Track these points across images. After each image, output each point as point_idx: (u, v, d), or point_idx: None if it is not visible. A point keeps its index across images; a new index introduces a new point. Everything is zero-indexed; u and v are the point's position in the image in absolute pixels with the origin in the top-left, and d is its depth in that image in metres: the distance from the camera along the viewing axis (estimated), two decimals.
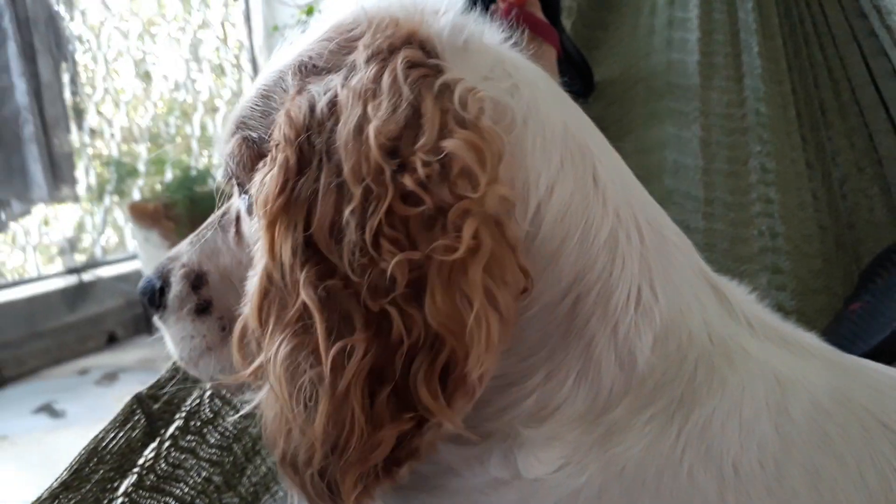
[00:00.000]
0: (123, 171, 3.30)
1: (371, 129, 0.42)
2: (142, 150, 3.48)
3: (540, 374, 0.47)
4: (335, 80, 0.47)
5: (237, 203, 0.58)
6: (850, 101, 1.45)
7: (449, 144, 0.41)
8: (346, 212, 0.41)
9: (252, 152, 0.51)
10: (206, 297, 0.58)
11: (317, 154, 0.44)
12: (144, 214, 3.11)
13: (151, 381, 0.73)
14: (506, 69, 0.51)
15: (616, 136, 0.57)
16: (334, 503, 0.44)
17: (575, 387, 0.47)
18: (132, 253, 3.40)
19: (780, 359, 0.51)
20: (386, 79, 0.44)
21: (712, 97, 1.43)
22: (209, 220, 0.60)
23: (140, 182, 3.38)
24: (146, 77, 3.54)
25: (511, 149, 0.46)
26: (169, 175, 3.40)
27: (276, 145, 0.46)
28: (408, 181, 0.41)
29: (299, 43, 0.53)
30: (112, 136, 3.38)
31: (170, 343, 0.60)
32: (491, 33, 0.53)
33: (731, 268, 1.21)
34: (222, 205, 0.60)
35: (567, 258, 0.47)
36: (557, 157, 0.49)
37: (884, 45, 1.40)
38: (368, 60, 0.46)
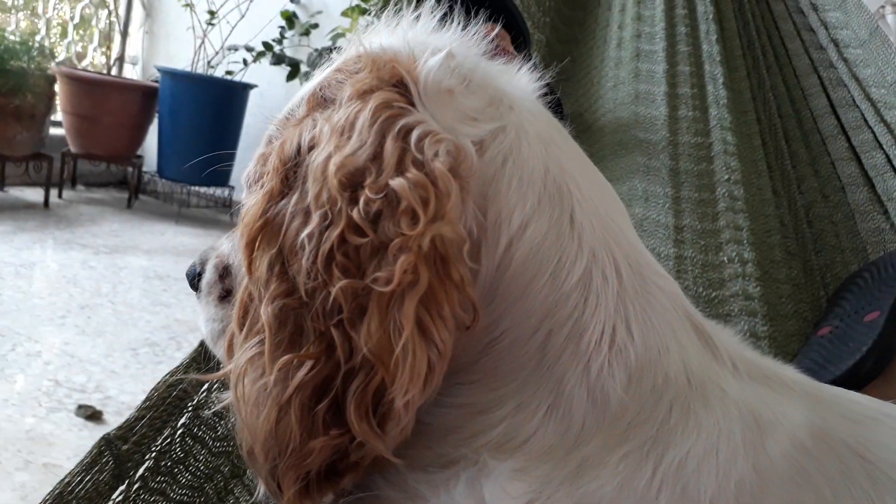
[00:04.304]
0: None
1: (333, 162, 0.46)
2: None
3: (510, 404, 0.48)
4: (326, 114, 0.50)
5: None
6: (812, 129, 1.49)
7: (395, 183, 0.44)
8: (304, 235, 0.45)
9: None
10: (229, 286, 0.62)
11: (296, 182, 0.48)
12: None
13: None
14: (500, 110, 0.53)
15: None
16: (280, 500, 0.47)
17: (545, 420, 0.47)
18: None
19: (760, 398, 0.51)
20: (359, 117, 0.47)
21: (680, 127, 1.46)
22: None
23: None
24: None
25: (486, 187, 0.49)
26: None
27: (266, 173, 0.50)
28: (356, 214, 0.44)
29: (320, 73, 0.56)
30: None
31: (200, 321, 0.65)
32: (502, 69, 0.56)
33: (702, 294, 1.23)
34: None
35: (538, 294, 0.48)
36: (534, 197, 0.50)
37: (842, 76, 1.45)
38: (350, 98, 0.49)
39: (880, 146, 1.37)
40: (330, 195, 0.45)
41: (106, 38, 4.13)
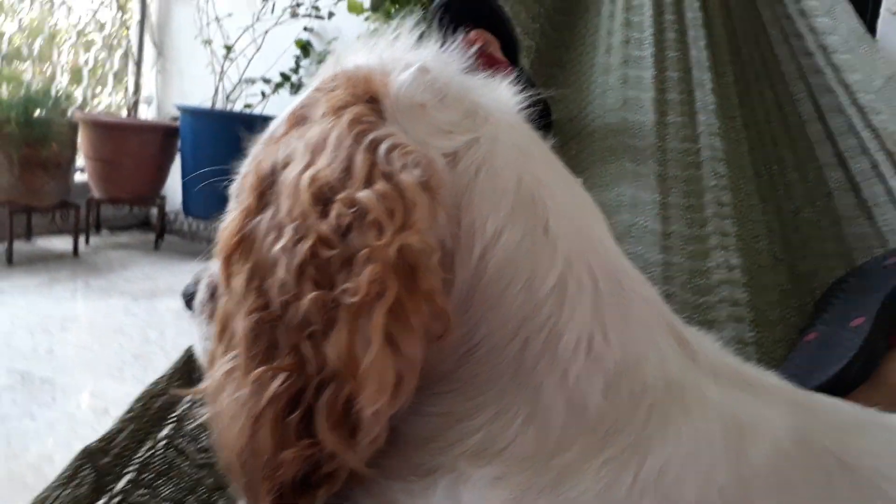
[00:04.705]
0: None
1: (305, 177, 0.47)
2: None
3: (488, 412, 0.48)
4: (301, 131, 0.51)
5: None
6: (800, 135, 1.50)
7: (362, 196, 0.45)
8: (277, 249, 0.46)
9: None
10: None
11: (272, 199, 0.49)
12: None
13: None
14: (475, 122, 0.53)
15: (574, 172, 0.59)
16: None
17: (524, 428, 0.47)
18: None
19: (742, 404, 0.52)
20: (331, 133, 0.48)
21: (668, 132, 1.46)
22: None
23: None
24: None
25: (459, 197, 0.50)
26: (4, 91, 3.31)
27: (243, 192, 0.51)
28: (326, 227, 0.45)
29: (305, 91, 0.57)
30: None
31: (195, 340, 0.66)
32: (478, 82, 0.57)
33: (690, 300, 1.23)
34: None
35: (513, 302, 0.49)
36: (507, 206, 0.51)
37: (829, 81, 1.46)
38: (324, 115, 0.50)
39: (866, 152, 1.37)
40: (302, 209, 0.46)
41: (120, 81, 4.12)
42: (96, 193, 3.57)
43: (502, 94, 0.59)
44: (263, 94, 3.71)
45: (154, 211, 3.83)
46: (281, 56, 3.68)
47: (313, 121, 0.52)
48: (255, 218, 0.49)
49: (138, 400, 0.81)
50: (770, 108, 1.53)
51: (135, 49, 4.14)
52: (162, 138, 3.63)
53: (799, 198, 1.44)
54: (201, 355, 0.64)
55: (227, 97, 3.79)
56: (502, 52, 1.47)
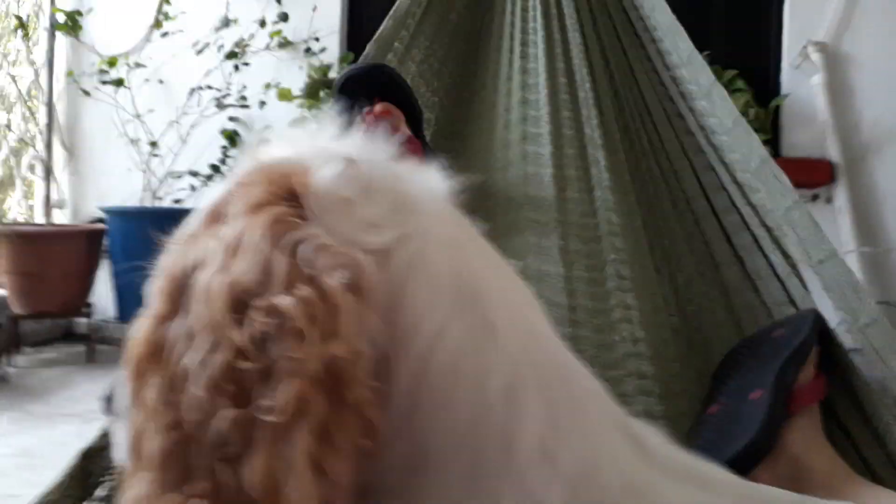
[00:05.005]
0: None
1: (217, 283, 0.43)
2: None
3: None
4: (214, 230, 0.48)
5: None
6: (686, 210, 1.58)
7: (282, 303, 0.42)
8: (190, 360, 0.42)
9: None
10: None
11: (184, 304, 0.45)
12: None
13: None
14: (403, 215, 0.50)
15: None
16: None
17: None
18: None
19: (693, 500, 0.52)
20: (247, 233, 0.45)
21: (568, 207, 1.51)
22: None
23: None
24: None
25: (394, 297, 0.47)
26: None
27: (154, 296, 0.47)
28: (240, 337, 0.42)
29: (225, 184, 0.54)
30: None
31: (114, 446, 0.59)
32: (404, 170, 0.54)
33: (599, 375, 1.25)
34: None
35: (461, 407, 0.46)
36: (446, 303, 0.48)
37: (711, 160, 1.56)
38: (240, 214, 0.47)
39: (748, 227, 1.47)
40: (216, 317, 0.43)
41: (29, 187, 3.87)
42: (18, 310, 3.20)
43: (430, 183, 0.56)
44: (193, 187, 3.55)
45: (80, 321, 3.53)
46: (206, 148, 3.53)
47: (230, 219, 0.48)
48: (165, 325, 0.45)
49: None
50: (658, 184, 1.61)
51: (43, 153, 3.88)
52: (86, 243, 3.37)
53: (689, 270, 1.52)
54: (122, 463, 0.56)
55: (154, 195, 3.62)
56: (407, 125, 1.48)
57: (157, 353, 0.45)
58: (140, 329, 0.47)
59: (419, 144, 1.49)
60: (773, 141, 2.91)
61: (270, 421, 0.40)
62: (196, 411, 0.42)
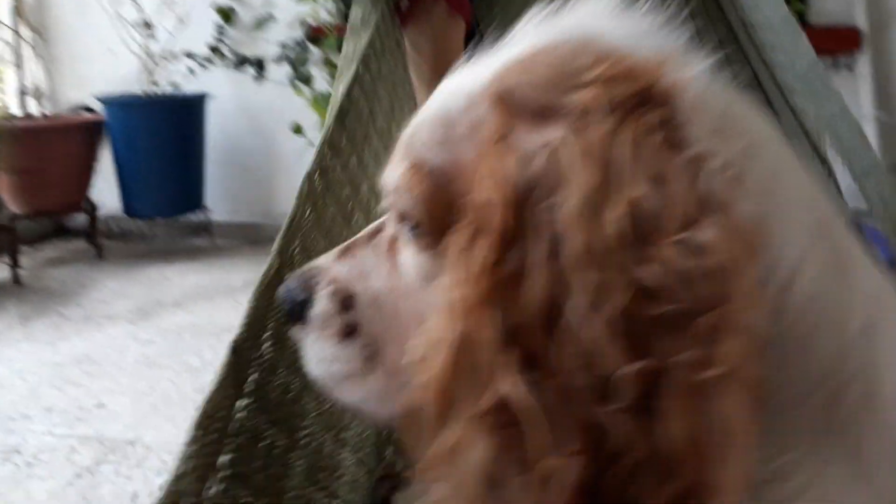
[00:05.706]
0: None
1: (608, 208, 0.36)
2: None
3: (805, 472, 0.41)
4: (554, 132, 0.39)
5: (393, 228, 0.54)
6: None
7: (704, 237, 0.35)
8: (566, 304, 0.36)
9: (424, 186, 0.46)
10: (353, 321, 0.53)
11: (532, 226, 0.38)
12: None
13: None
14: (736, 124, 0.43)
15: None
16: None
17: (854, 484, 0.41)
18: None
19: None
20: (626, 144, 0.37)
21: None
22: (358, 236, 0.57)
23: None
24: None
25: (755, 221, 0.39)
26: None
27: (478, 207, 0.40)
28: (650, 276, 0.35)
29: (489, 63, 0.46)
30: None
31: (307, 359, 0.56)
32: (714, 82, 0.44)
33: None
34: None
35: (821, 346, 0.41)
36: (804, 233, 0.42)
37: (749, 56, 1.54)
38: (603, 115, 0.38)
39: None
40: (605, 252, 0.36)
41: None
42: (18, 209, 3.06)
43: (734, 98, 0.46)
44: (191, 70, 3.35)
45: (77, 217, 3.38)
46: (197, 29, 3.27)
47: (575, 120, 0.39)
48: (509, 252, 0.38)
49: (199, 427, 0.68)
50: None
51: (10, 37, 3.45)
52: (86, 136, 3.19)
53: None
54: (326, 379, 0.55)
55: (152, 80, 3.33)
56: None
57: (504, 284, 0.37)
58: (478, 252, 0.38)
59: (468, 5, 1.42)
60: (801, 7, 2.87)
61: (693, 378, 0.34)
62: (574, 360, 0.36)
